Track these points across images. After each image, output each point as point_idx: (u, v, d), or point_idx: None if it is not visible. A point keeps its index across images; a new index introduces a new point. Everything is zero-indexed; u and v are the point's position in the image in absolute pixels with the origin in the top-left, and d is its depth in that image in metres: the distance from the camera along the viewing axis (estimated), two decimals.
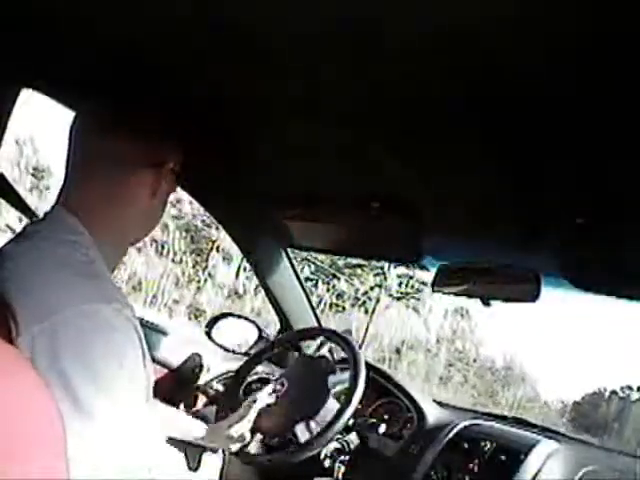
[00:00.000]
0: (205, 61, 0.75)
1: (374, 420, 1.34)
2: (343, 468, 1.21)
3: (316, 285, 8.02)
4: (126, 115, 0.78)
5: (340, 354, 1.55)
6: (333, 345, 1.32)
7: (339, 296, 8.28)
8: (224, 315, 1.61)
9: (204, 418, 1.21)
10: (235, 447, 1.08)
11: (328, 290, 8.09)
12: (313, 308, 1.63)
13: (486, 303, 1.09)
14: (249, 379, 1.35)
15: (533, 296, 1.01)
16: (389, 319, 8.61)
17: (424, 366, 8.65)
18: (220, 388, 1.45)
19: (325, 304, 7.84)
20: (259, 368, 1.38)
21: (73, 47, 0.83)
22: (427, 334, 9.25)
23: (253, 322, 1.58)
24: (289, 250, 1.52)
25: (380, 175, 0.97)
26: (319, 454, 1.16)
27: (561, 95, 0.59)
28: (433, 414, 1.36)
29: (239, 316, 1.63)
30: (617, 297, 0.93)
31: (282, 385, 1.20)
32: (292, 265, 1.55)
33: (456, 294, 1.12)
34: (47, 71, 0.90)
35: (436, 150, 0.82)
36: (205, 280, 7.15)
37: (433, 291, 1.14)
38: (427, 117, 0.73)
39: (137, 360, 0.67)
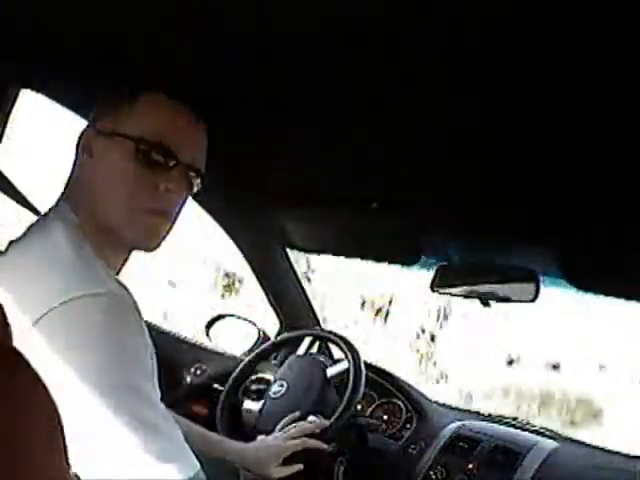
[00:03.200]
0: (205, 60, 0.75)
1: (374, 420, 1.34)
2: (343, 468, 1.21)
3: None
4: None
5: (339, 355, 1.56)
6: (330, 345, 1.33)
7: None
8: (223, 316, 1.61)
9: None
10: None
11: None
12: (312, 308, 1.63)
13: (485, 303, 1.09)
14: (248, 380, 1.35)
15: (532, 296, 1.01)
16: None
17: None
18: (219, 388, 1.45)
19: None
20: (258, 368, 1.38)
21: (73, 47, 0.83)
22: None
23: (252, 323, 1.58)
24: (289, 250, 1.52)
25: (380, 175, 0.97)
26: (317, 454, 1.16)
27: (561, 94, 0.59)
28: (433, 414, 1.36)
29: (238, 317, 1.63)
30: (616, 297, 0.94)
31: (281, 386, 1.21)
32: (291, 265, 1.55)
33: (455, 294, 1.13)
34: (47, 71, 0.90)
35: (436, 150, 0.82)
36: None
37: (432, 291, 1.14)
38: (427, 117, 0.73)
39: (141, 345, 0.66)
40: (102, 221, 0.73)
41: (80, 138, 0.76)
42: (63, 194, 0.77)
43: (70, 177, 0.77)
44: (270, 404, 1.21)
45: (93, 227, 0.72)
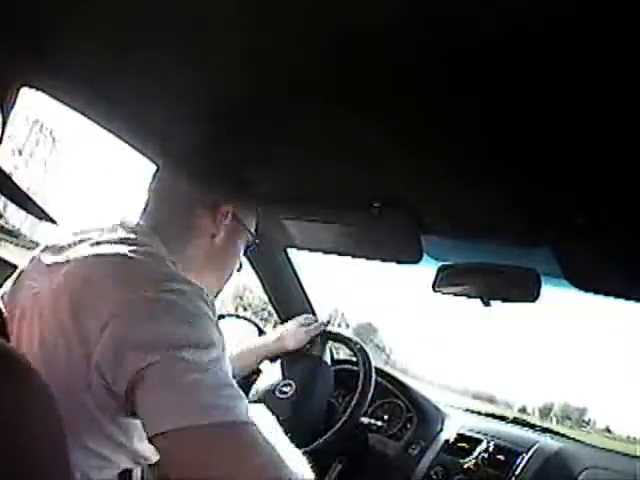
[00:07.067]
0: (209, 63, 0.75)
1: (374, 420, 1.34)
2: (340, 467, 1.20)
3: None
4: (186, 157, 0.88)
5: (339, 355, 1.55)
6: (334, 344, 1.32)
7: None
8: (224, 316, 1.61)
9: None
10: None
11: None
12: (312, 308, 1.63)
13: (486, 303, 1.09)
14: (250, 379, 1.35)
15: (533, 296, 1.01)
16: None
17: None
18: None
19: None
20: (260, 368, 1.38)
21: (73, 47, 0.83)
22: None
23: (253, 322, 1.58)
24: (289, 250, 1.52)
25: (380, 175, 0.97)
26: (318, 453, 1.16)
27: (561, 95, 0.59)
28: (433, 414, 1.36)
29: (238, 316, 1.63)
30: (616, 297, 0.93)
31: (289, 387, 1.20)
32: (291, 265, 1.55)
33: (456, 294, 1.12)
34: (47, 71, 0.90)
35: (436, 150, 0.82)
36: None
37: (434, 291, 1.13)
38: (427, 117, 0.73)
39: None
40: (190, 276, 0.80)
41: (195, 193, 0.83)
42: (145, 219, 0.83)
43: (164, 216, 0.83)
44: (275, 404, 1.20)
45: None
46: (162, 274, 0.68)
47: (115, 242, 0.73)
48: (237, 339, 1.55)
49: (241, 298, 7.68)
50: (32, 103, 0.92)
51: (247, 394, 1.31)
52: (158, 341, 0.61)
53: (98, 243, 0.73)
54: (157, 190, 0.86)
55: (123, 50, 0.79)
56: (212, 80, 0.81)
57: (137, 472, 0.80)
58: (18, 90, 0.87)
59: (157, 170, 0.89)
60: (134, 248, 0.71)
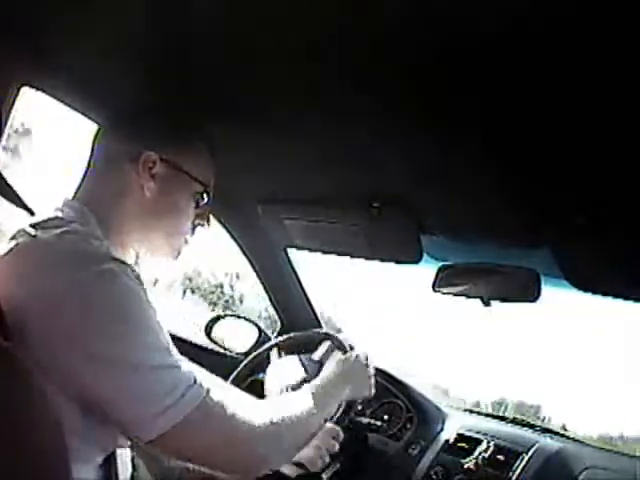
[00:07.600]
0: (203, 59, 0.75)
1: (374, 420, 1.34)
2: (338, 466, 1.20)
3: None
4: (111, 115, 0.85)
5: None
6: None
7: None
8: (224, 315, 1.61)
9: None
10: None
11: None
12: (313, 308, 1.63)
13: (486, 303, 1.09)
14: (248, 380, 1.34)
15: (533, 296, 1.01)
16: None
17: None
18: None
19: None
20: (258, 369, 1.37)
21: (73, 47, 0.83)
22: None
23: (253, 322, 1.58)
24: (289, 250, 1.52)
25: (380, 175, 0.97)
26: None
27: (561, 95, 0.59)
28: (433, 414, 1.36)
29: (238, 316, 1.63)
30: (615, 297, 0.94)
31: (285, 388, 1.20)
32: (292, 265, 1.55)
33: (456, 294, 1.12)
34: (47, 71, 0.90)
35: (436, 150, 0.82)
36: None
37: (434, 291, 1.13)
38: (427, 117, 0.73)
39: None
40: (135, 237, 0.81)
41: (115, 149, 0.80)
42: (79, 192, 0.80)
43: (97, 181, 0.80)
44: None
45: (114, 236, 0.77)
46: (85, 255, 0.66)
47: (40, 227, 0.70)
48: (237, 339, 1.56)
49: (190, 280, 7.66)
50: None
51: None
52: (84, 338, 0.62)
53: (24, 231, 0.70)
54: (90, 160, 0.81)
55: (124, 50, 0.79)
56: (214, 78, 0.81)
57: (127, 457, 0.80)
58: (18, 90, 0.87)
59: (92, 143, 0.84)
60: (59, 231, 0.68)
